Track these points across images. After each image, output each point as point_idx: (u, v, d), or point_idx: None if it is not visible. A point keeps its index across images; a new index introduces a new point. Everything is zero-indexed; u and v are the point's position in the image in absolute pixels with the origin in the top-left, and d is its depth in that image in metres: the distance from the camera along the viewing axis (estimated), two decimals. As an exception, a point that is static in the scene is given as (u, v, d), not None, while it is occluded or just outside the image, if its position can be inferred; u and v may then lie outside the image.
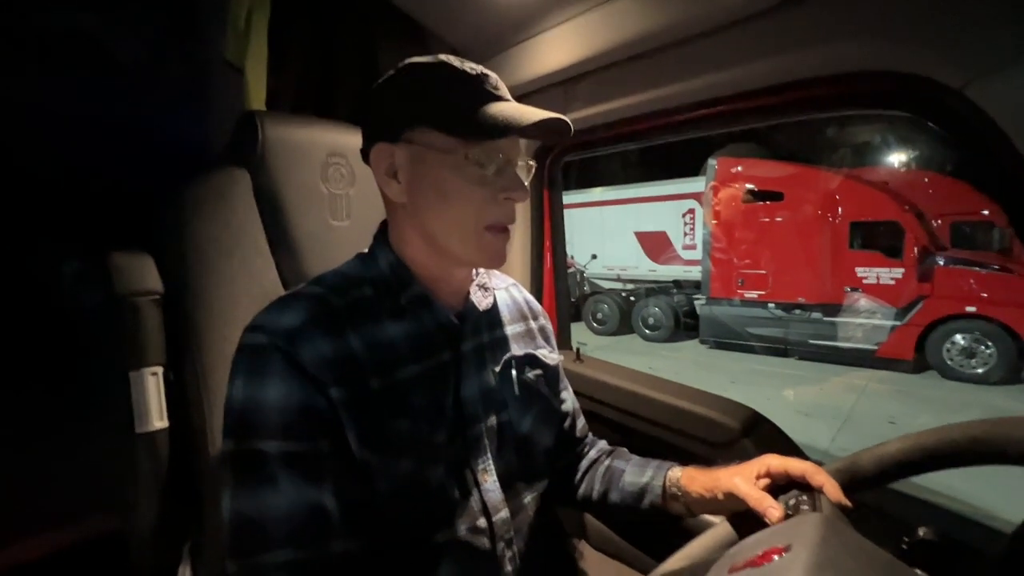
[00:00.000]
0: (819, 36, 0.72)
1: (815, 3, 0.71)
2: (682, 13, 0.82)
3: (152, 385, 0.75)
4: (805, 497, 0.54)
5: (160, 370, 0.76)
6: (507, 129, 0.54)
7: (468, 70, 0.58)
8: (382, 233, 0.67)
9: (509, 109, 0.56)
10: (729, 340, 7.50)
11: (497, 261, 0.61)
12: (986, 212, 6.30)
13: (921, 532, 0.56)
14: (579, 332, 8.93)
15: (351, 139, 0.88)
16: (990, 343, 5.66)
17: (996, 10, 0.58)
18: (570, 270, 8.93)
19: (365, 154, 0.62)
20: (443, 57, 0.59)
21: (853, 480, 0.56)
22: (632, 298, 9.09)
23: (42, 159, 1.18)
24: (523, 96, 1.14)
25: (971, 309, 5.77)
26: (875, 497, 0.75)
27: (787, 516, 0.53)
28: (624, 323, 8.92)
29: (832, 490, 0.54)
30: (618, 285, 9.64)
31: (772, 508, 0.55)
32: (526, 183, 0.61)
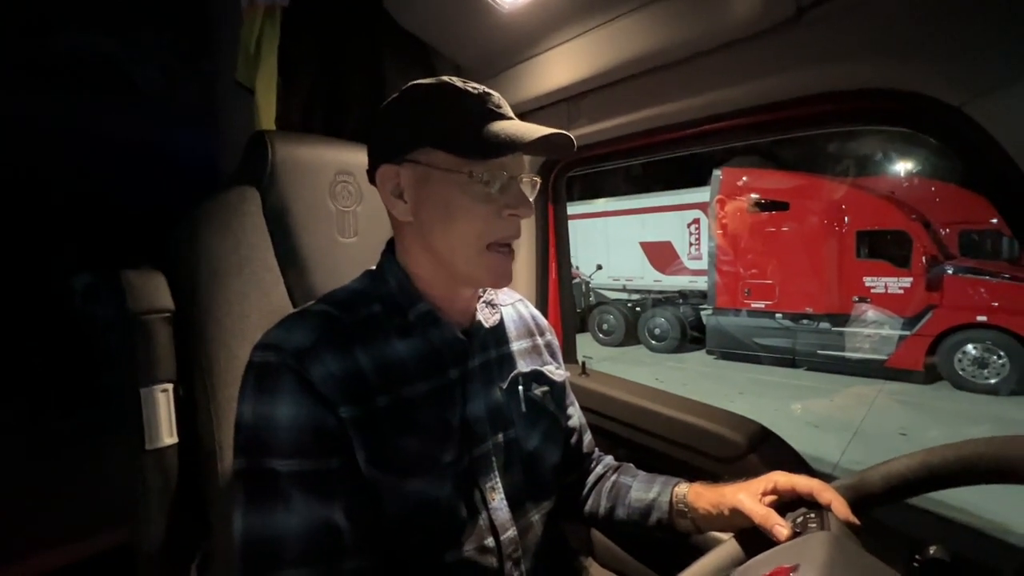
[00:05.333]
0: (820, 55, 0.73)
1: (816, 23, 0.72)
2: (684, 33, 0.83)
3: (163, 401, 0.76)
4: (812, 515, 0.54)
5: (170, 387, 0.77)
6: (511, 146, 0.55)
7: (470, 90, 0.58)
8: (390, 250, 0.67)
9: (512, 127, 0.57)
10: (736, 351, 7.43)
11: (503, 280, 0.62)
12: (995, 220, 6.23)
13: (932, 550, 0.55)
14: (585, 343, 8.90)
15: (358, 157, 0.90)
16: (1002, 353, 5.56)
17: (993, 31, 0.59)
18: (575, 280, 8.92)
19: (371, 176, 0.64)
20: (445, 78, 0.60)
21: (861, 497, 0.56)
22: (638, 309, 9.06)
23: (58, 178, 1.21)
24: (527, 113, 1.16)
25: (982, 319, 5.68)
26: (884, 512, 0.74)
27: (795, 534, 0.53)
28: (630, 334, 8.88)
29: (840, 508, 0.54)
30: (623, 296, 9.62)
31: (779, 526, 0.54)
32: (531, 198, 0.62)
